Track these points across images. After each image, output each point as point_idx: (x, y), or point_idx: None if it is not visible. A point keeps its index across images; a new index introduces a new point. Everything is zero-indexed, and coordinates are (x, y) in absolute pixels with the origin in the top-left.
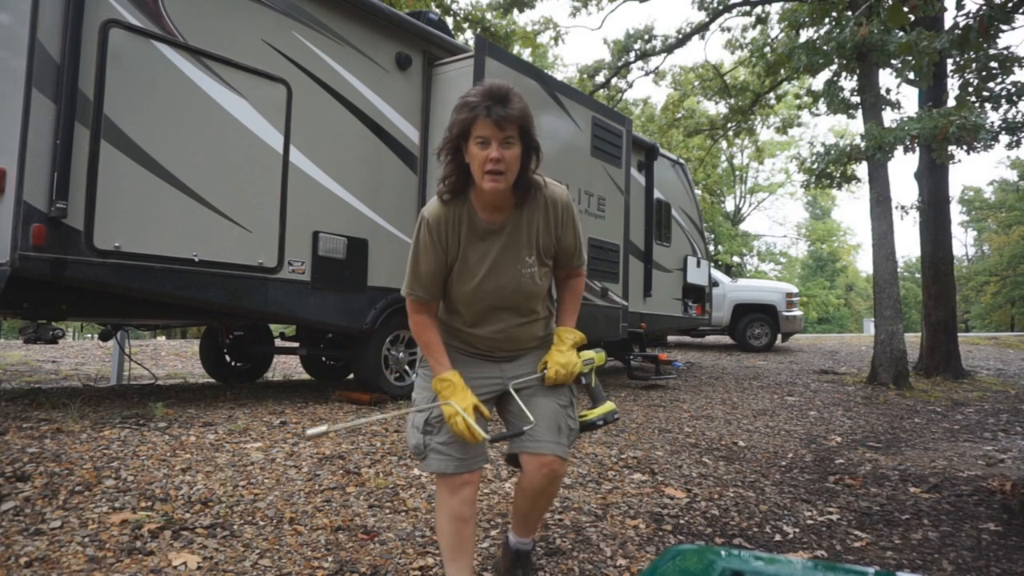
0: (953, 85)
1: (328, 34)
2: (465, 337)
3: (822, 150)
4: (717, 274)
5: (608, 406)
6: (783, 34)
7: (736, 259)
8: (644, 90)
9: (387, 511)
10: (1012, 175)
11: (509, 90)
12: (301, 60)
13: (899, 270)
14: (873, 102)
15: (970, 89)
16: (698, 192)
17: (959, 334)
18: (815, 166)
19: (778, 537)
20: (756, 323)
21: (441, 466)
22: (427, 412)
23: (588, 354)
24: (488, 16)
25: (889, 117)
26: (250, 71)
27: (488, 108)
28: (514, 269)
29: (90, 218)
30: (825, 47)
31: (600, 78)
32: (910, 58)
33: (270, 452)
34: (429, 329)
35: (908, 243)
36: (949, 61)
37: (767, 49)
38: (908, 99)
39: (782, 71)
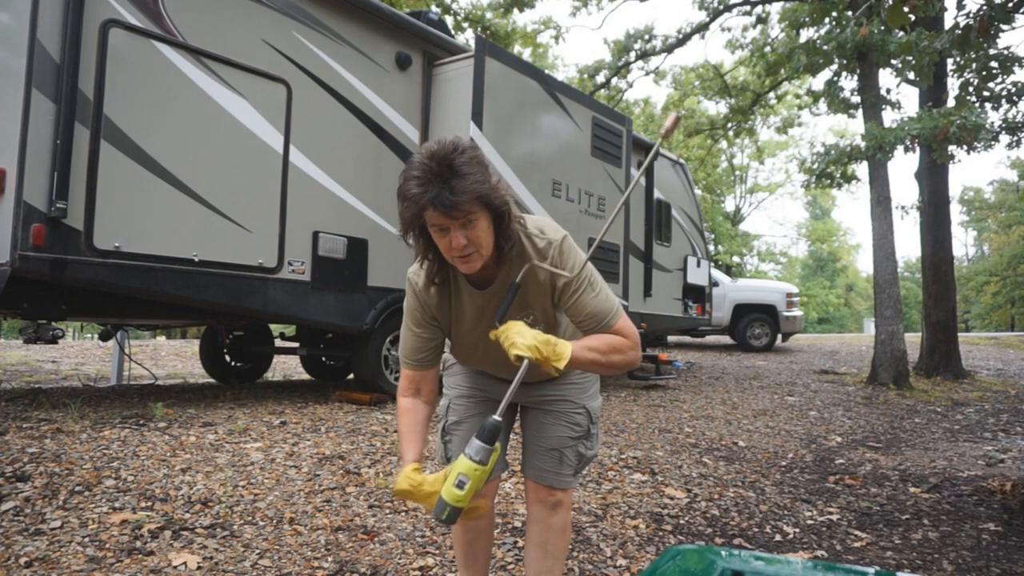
0: (953, 85)
1: (328, 34)
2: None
3: (822, 150)
4: (717, 274)
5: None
6: (783, 34)
7: (736, 259)
8: (644, 90)
9: (387, 511)
10: (1012, 175)
11: (453, 156)
12: (301, 60)
13: (899, 270)
14: (873, 102)
15: (970, 89)
16: (698, 192)
17: (959, 334)
18: (815, 166)
19: (778, 537)
20: (756, 323)
21: None
22: (443, 420)
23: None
24: (488, 16)
25: (889, 117)
26: (250, 71)
27: (432, 198)
28: None
29: (90, 218)
30: (825, 47)
31: (600, 78)
32: (910, 58)
33: (270, 452)
34: (406, 415)
35: (908, 243)
36: (949, 61)
37: (767, 49)
38: (908, 99)
39: (782, 71)
